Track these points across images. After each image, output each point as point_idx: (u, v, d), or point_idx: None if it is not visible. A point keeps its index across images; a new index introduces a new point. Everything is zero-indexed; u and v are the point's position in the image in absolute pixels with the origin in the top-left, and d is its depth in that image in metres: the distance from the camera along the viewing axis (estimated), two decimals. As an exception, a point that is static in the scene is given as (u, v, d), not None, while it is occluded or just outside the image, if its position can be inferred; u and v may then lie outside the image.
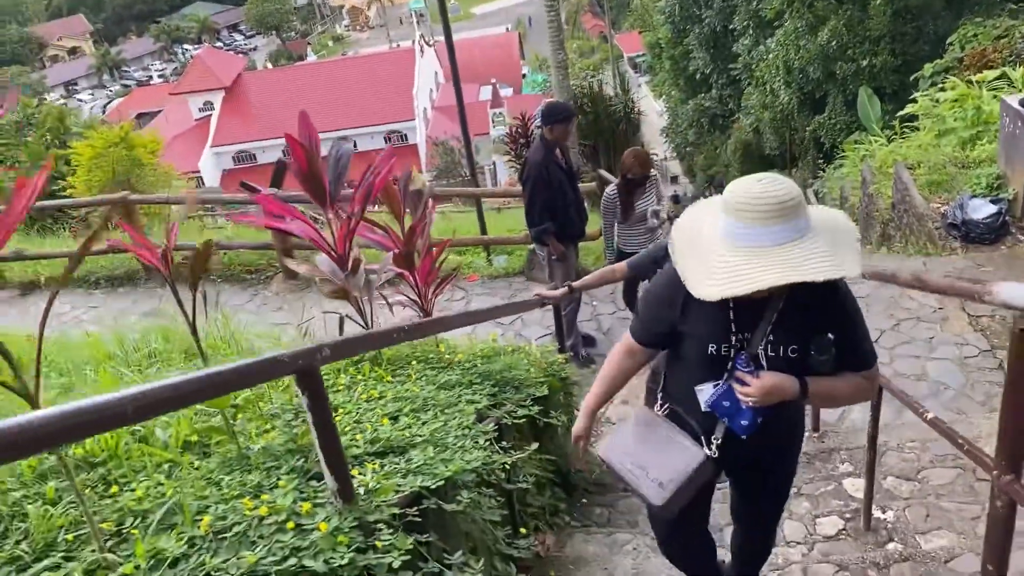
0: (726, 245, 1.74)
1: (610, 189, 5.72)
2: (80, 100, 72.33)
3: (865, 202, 10.09)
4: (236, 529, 1.79)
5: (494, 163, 46.91)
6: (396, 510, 1.99)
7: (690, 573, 2.71)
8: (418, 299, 3.99)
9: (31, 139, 14.01)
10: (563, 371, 4.17)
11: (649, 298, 2.22)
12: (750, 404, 1.94)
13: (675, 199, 27.68)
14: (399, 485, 2.12)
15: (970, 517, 3.63)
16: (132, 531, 1.84)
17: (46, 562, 1.75)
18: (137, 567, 1.67)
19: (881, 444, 4.28)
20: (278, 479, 2.06)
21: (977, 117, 9.38)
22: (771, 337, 1.95)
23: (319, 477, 2.12)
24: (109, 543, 1.81)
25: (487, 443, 2.66)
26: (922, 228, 7.92)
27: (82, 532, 1.85)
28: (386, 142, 51.04)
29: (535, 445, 3.13)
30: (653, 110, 41.97)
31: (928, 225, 7.82)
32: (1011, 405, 1.71)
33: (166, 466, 2.22)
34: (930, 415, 2.51)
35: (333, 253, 3.32)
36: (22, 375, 1.68)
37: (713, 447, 2.08)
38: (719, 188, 26.31)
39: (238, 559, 1.66)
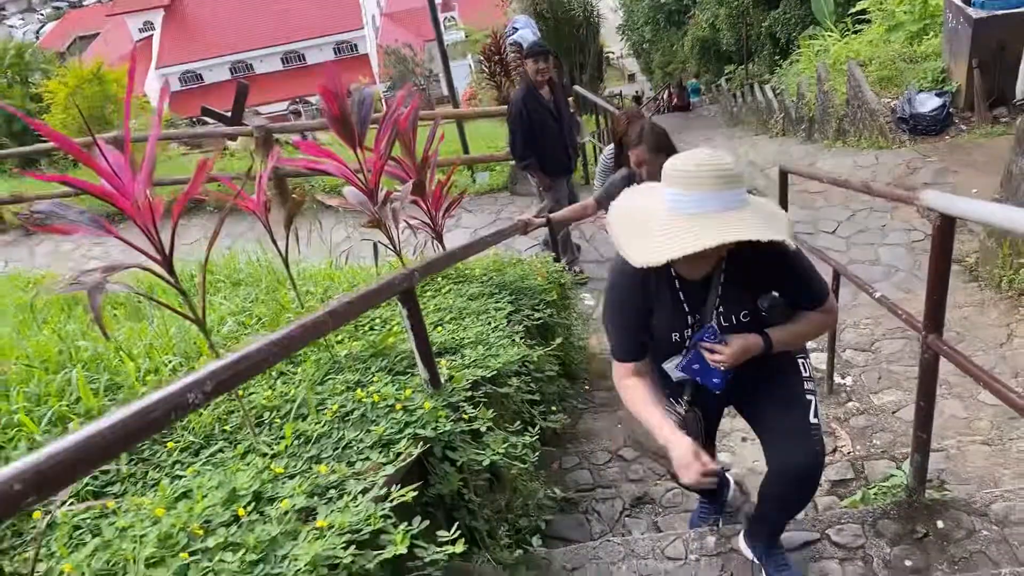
0: (671, 215, 1.76)
1: (608, 152, 6.11)
2: (11, 27, 68.81)
3: (821, 99, 10.62)
4: (356, 413, 2.35)
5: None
6: (469, 393, 2.57)
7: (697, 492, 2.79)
8: (430, 222, 4.49)
9: (-8, 77, 13.82)
10: (563, 277, 4.74)
11: (612, 305, 2.13)
12: (721, 368, 2.03)
13: (636, 100, 27.90)
14: (465, 376, 2.70)
15: (914, 376, 4.35)
16: (275, 420, 2.40)
17: (212, 448, 2.31)
18: (287, 446, 2.23)
19: (840, 323, 4.97)
20: (372, 376, 2.62)
21: (924, 10, 9.82)
22: (721, 309, 2.02)
23: (402, 372, 2.69)
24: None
25: (521, 340, 3.25)
26: (874, 123, 8.50)
27: (227, 427, 2.40)
28: (336, 53, 49.90)
29: (558, 341, 3.72)
30: (608, 7, 41.42)
31: (879, 120, 8.41)
32: (932, 282, 2.29)
33: (274, 373, 2.77)
34: (878, 294, 3.10)
35: (364, 188, 3.78)
36: (193, 303, 2.18)
37: (682, 407, 2.17)
38: (678, 86, 26.59)
39: (368, 432, 2.22)
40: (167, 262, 2.10)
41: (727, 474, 2.97)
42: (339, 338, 3.03)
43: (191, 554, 1.59)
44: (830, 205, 7.26)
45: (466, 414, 2.42)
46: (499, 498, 2.73)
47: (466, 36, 34.99)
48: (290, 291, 3.50)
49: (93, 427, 1.06)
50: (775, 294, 2.02)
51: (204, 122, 18.65)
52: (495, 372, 2.80)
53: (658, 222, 1.77)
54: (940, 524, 2.64)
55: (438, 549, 1.82)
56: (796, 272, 2.04)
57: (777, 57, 17.64)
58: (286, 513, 1.72)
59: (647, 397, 2.09)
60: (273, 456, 2.14)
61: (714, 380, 2.07)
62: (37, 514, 1.70)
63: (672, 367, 2.13)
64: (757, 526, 2.46)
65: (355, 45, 49.44)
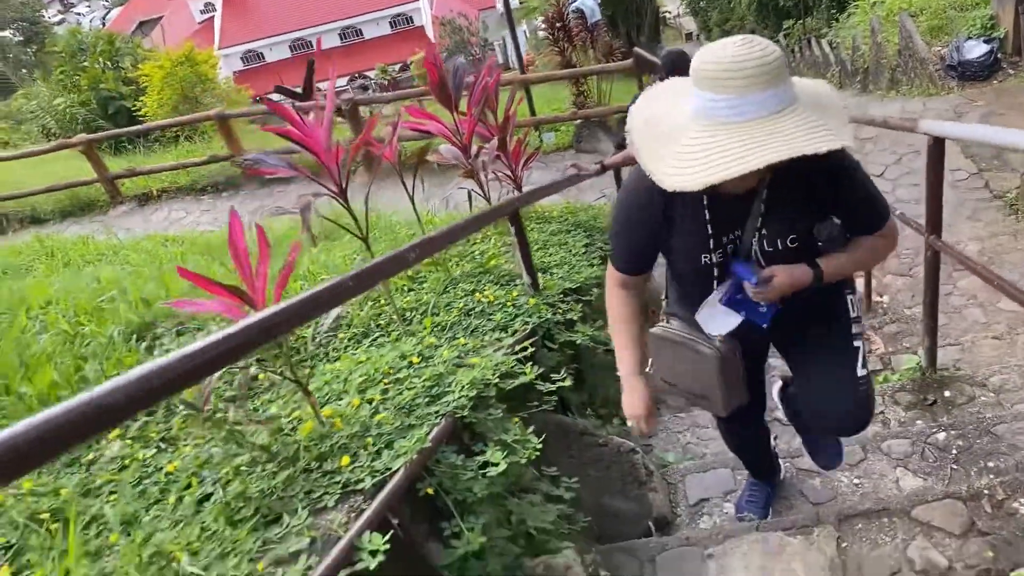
0: (701, 124, 1.45)
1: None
2: (78, 14, 71.51)
3: (875, 51, 10.89)
4: (477, 309, 3.08)
5: (503, 39, 46.57)
6: (561, 296, 3.28)
7: (745, 459, 2.73)
8: (511, 174, 5.18)
9: (87, 64, 14.96)
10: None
11: (620, 218, 1.88)
12: (762, 303, 1.81)
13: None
14: (556, 285, 3.40)
15: (946, 293, 4.89)
16: (413, 318, 3.14)
17: (370, 338, 3.06)
18: (429, 332, 2.97)
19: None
20: (484, 286, 3.35)
21: (976, -42, 9.99)
22: (764, 231, 1.74)
23: (506, 283, 3.40)
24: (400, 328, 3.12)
25: (597, 264, 3.94)
26: (924, 71, 8.84)
27: (380, 323, 3.15)
28: (392, 27, 50.71)
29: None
30: (664, -33, 41.16)
31: (929, 68, 8.74)
32: (930, 194, 2.89)
33: (403, 286, 3.51)
34: (898, 212, 3.68)
35: (460, 145, 4.49)
36: (360, 225, 2.92)
37: (716, 342, 1.91)
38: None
39: (489, 320, 2.95)
40: (343, 194, 2.84)
41: (778, 454, 2.84)
42: (452, 262, 3.76)
43: (387, 383, 2.34)
44: (879, 150, 7.70)
45: (560, 309, 3.13)
46: (585, 385, 3.45)
47: (520, 2, 35.37)
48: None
49: (310, 292, 1.78)
50: (836, 221, 1.76)
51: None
52: (578, 285, 3.50)
53: (688, 135, 1.46)
54: (947, 393, 3.26)
55: (552, 385, 2.55)
56: (857, 188, 1.74)
57: (834, 11, 17.66)
58: (445, 361, 2.46)
59: (627, 317, 1.98)
60: (420, 339, 2.89)
61: (760, 313, 1.82)
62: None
63: (714, 299, 1.86)
64: (809, 446, 2.60)
65: (411, 17, 50.01)
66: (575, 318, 3.13)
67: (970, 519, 2.29)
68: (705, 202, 1.72)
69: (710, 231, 1.75)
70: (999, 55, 8.21)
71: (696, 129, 1.46)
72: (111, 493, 1.98)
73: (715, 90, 1.42)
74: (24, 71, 55.40)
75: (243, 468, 1.85)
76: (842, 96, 1.85)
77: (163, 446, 2.20)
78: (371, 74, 44.17)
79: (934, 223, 2.96)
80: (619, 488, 2.97)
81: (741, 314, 1.85)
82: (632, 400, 2.02)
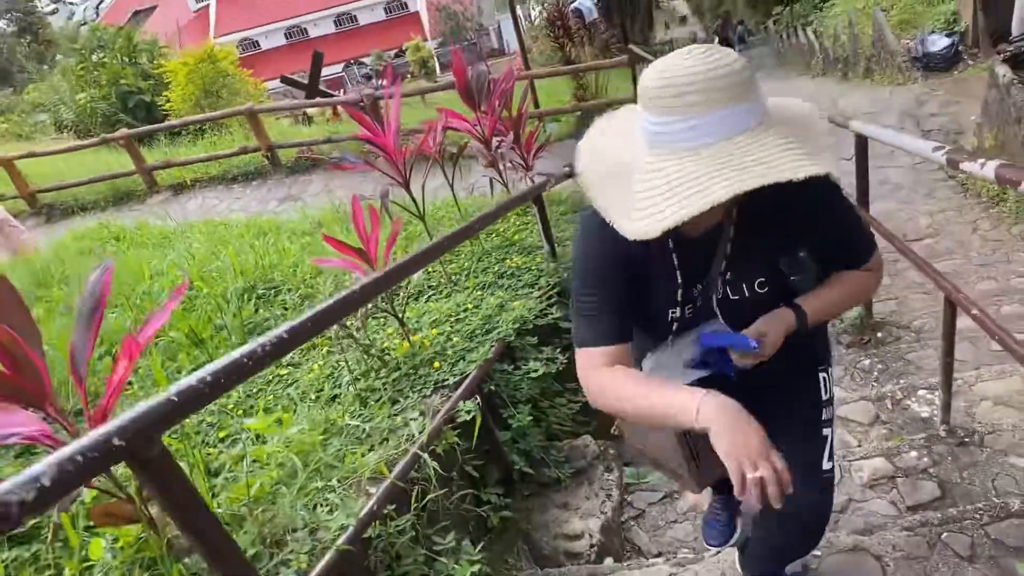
0: (656, 155, 1.21)
1: None
2: (71, 3, 71.55)
3: (852, 41, 11.72)
4: (508, 272, 3.93)
5: (498, 24, 47.15)
6: (573, 262, 4.14)
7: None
8: (524, 163, 6.03)
9: (106, 60, 15.71)
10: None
11: (588, 274, 1.46)
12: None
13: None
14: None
15: (891, 261, 5.77)
16: (458, 280, 4.00)
17: (425, 296, 3.91)
18: (474, 288, 3.82)
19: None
20: (511, 255, 4.20)
21: (942, -44, 10.80)
22: (728, 276, 1.47)
23: (528, 252, 4.25)
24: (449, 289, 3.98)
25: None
26: (893, 62, 9.67)
27: (431, 284, 4.00)
28: (387, 13, 51.26)
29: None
30: (655, -49, 41.70)
31: (897, 59, 9.57)
32: (858, 175, 3.75)
33: (447, 258, 4.36)
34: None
35: (482, 139, 5.32)
36: (418, 207, 3.76)
37: None
38: (723, 27, 27.34)
39: (519, 279, 3.80)
40: (406, 184, 3.69)
41: None
42: (482, 236, 4.61)
43: (452, 322, 3.20)
44: (840, 141, 8.54)
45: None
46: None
47: (516, -11, 36.00)
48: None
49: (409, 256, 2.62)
50: (801, 254, 1.48)
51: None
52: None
53: (643, 170, 1.22)
54: (879, 334, 4.14)
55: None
56: (840, 218, 1.46)
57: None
58: (491, 306, 3.31)
59: (636, 374, 1.45)
60: (468, 293, 3.76)
61: (730, 365, 1.49)
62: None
63: (671, 358, 1.56)
64: (748, 560, 2.05)
65: (405, 3, 50.53)
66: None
67: (876, 413, 3.17)
68: (671, 245, 1.41)
69: (679, 280, 1.44)
70: (960, 48, 9.04)
71: (651, 161, 1.20)
72: (267, 396, 2.84)
73: (670, 112, 1.18)
74: (21, 62, 55.59)
75: (368, 372, 2.71)
76: (823, 117, 1.37)
77: (293, 367, 3.07)
78: (366, 60, 44.90)
79: (864, 200, 3.82)
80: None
81: (708, 371, 1.52)
82: (748, 430, 1.22)
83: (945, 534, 2.22)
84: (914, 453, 2.77)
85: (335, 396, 2.69)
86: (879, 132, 3.47)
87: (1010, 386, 3.09)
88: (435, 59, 39.97)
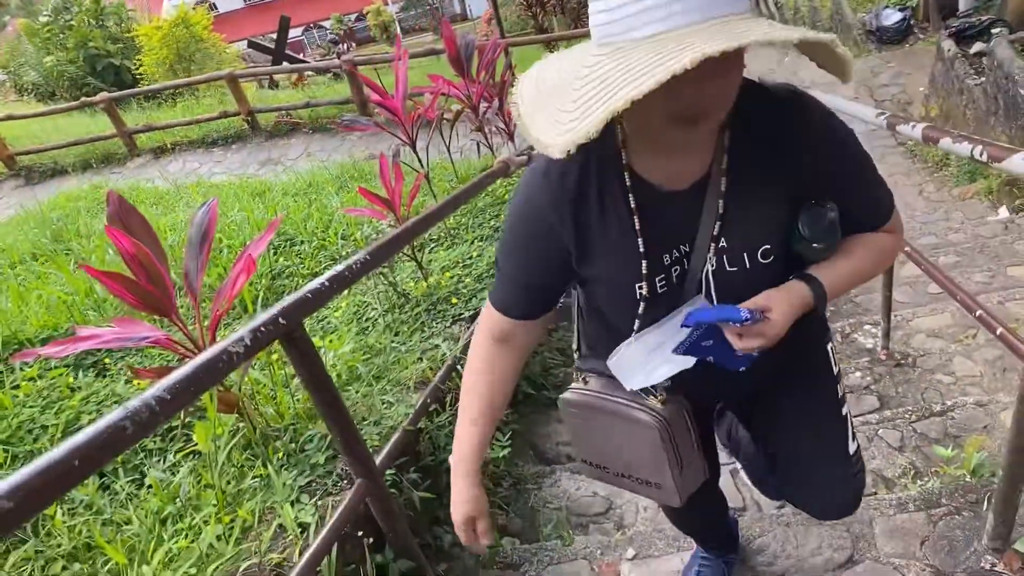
0: (600, 52, 0.88)
1: None
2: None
3: (812, 13, 12.20)
4: (500, 227, 4.34)
5: (464, -11, 46.82)
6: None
7: (694, 533, 2.00)
8: (506, 128, 6.42)
9: (73, 23, 15.56)
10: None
11: (509, 232, 1.22)
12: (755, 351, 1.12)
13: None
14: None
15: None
16: (458, 232, 4.39)
17: (428, 248, 4.31)
18: (472, 240, 4.22)
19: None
20: (502, 213, 4.60)
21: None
22: (724, 242, 1.11)
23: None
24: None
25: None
26: (849, 35, 10.17)
27: (429, 240, 4.40)
28: (351, -24, 50.49)
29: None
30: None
31: (853, 32, 10.07)
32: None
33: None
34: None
35: (471, 105, 5.69)
36: (422, 163, 4.14)
37: (657, 398, 1.27)
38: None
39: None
40: (413, 144, 4.06)
41: (737, 520, 2.15)
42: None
43: (460, 268, 3.61)
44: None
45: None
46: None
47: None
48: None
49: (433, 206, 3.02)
50: (827, 206, 1.11)
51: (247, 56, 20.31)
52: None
53: (578, 77, 0.88)
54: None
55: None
56: (852, 161, 1.13)
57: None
58: (492, 254, 3.72)
59: (488, 383, 1.32)
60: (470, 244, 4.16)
61: (736, 356, 1.16)
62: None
63: (647, 343, 1.20)
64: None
65: (369, -34, 49.84)
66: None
67: (827, 345, 3.66)
68: (632, 203, 1.09)
69: (642, 248, 1.11)
70: (911, 22, 9.57)
71: (591, 59, 0.88)
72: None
73: None
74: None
75: (393, 307, 3.12)
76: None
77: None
78: (326, 24, 44.33)
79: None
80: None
81: (703, 358, 1.18)
82: (458, 501, 1.33)
83: (881, 430, 2.73)
84: (858, 374, 3.27)
85: (365, 329, 3.10)
86: (832, 100, 3.93)
87: (941, 321, 3.61)
88: (396, 24, 39.70)
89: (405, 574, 1.92)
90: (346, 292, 3.51)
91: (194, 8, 14.67)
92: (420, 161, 4.12)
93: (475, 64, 5.67)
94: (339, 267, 1.76)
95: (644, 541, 2.23)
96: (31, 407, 2.49)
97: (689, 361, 1.18)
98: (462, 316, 3.08)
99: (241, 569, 1.65)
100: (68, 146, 10.44)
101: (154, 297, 1.91)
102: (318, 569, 1.65)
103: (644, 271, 1.12)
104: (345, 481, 1.97)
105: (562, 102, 0.88)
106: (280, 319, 1.48)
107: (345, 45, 26.18)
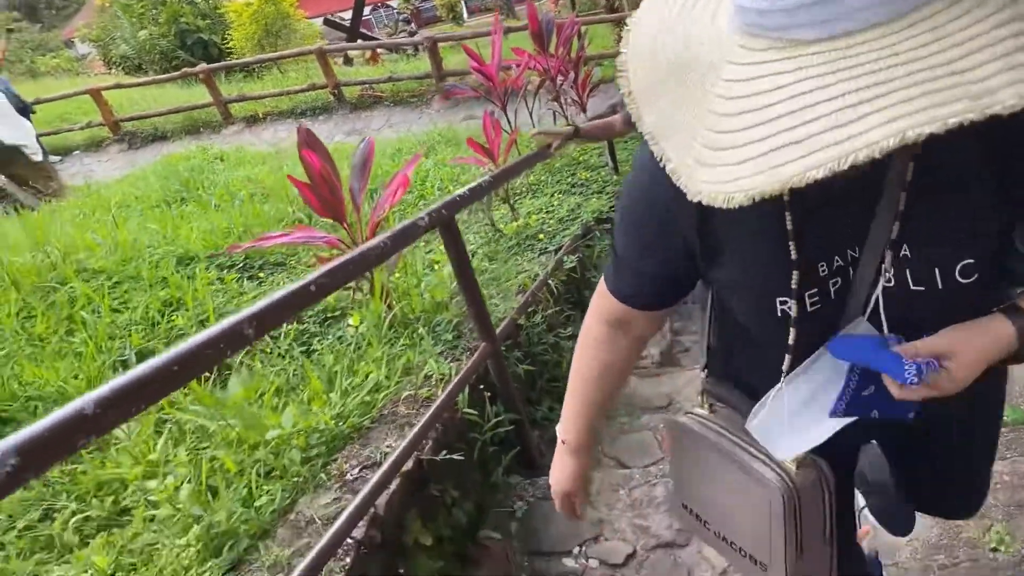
0: (754, 48, 0.59)
1: None
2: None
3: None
4: (579, 183, 4.90)
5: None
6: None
7: None
8: (580, 100, 6.96)
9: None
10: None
11: (625, 213, 1.00)
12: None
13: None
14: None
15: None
16: (538, 187, 4.97)
17: (509, 201, 4.91)
18: (552, 194, 4.80)
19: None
20: (579, 170, 5.17)
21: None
22: (907, 252, 0.82)
23: (593, 169, 5.21)
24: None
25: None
26: None
27: (513, 193, 4.99)
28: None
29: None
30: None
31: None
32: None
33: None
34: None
35: (550, 77, 6.24)
36: (511, 126, 4.73)
37: (790, 464, 1.00)
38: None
39: (588, 188, 4.77)
40: (504, 107, 4.65)
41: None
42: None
43: (544, 213, 4.19)
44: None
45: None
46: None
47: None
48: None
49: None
50: None
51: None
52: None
53: (724, 78, 0.60)
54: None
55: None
56: None
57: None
58: (571, 205, 4.29)
59: (598, 373, 1.17)
60: (551, 196, 4.74)
61: (900, 404, 0.88)
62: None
63: (793, 401, 0.94)
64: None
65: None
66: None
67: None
68: (786, 196, 0.79)
69: (794, 253, 0.83)
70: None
71: (742, 59, 0.60)
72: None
73: None
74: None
75: (489, 241, 3.73)
76: None
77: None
78: (393, 3, 45.01)
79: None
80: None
81: (867, 415, 0.93)
82: (560, 477, 1.29)
83: None
84: None
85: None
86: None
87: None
88: (462, 3, 40.19)
89: (512, 422, 2.53)
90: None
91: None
92: (510, 123, 4.71)
93: (553, 41, 6.22)
94: (475, 182, 2.36)
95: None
96: (215, 300, 3.18)
97: (848, 419, 0.92)
98: (547, 249, 3.67)
99: (403, 397, 2.28)
100: (168, 113, 11.33)
101: (332, 204, 2.54)
102: (455, 402, 2.27)
103: (794, 284, 0.84)
104: (467, 353, 2.58)
105: (700, 116, 0.62)
106: (443, 210, 2.09)
107: (415, 24, 26.90)
